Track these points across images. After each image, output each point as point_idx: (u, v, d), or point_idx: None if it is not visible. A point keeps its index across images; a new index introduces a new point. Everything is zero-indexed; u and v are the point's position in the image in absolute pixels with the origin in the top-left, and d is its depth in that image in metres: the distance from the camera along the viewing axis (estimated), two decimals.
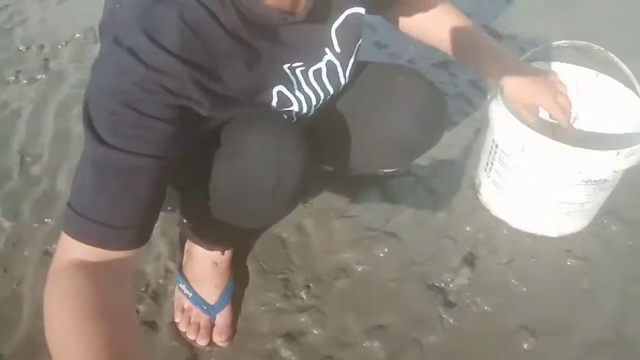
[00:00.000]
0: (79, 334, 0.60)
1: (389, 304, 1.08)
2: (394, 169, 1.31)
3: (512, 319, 1.06)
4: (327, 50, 0.90)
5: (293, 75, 0.86)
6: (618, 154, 0.99)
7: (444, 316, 1.06)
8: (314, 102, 0.91)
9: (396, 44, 1.72)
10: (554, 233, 1.19)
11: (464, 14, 1.07)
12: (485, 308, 1.08)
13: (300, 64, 0.86)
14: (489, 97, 1.15)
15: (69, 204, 0.69)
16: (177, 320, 1.06)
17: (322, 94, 0.92)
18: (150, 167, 0.68)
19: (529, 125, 1.04)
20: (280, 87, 0.84)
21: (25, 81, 1.62)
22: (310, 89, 0.90)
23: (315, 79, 0.90)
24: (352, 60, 0.94)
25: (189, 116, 0.71)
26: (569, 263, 1.16)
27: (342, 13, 0.89)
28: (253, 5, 0.74)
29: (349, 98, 1.03)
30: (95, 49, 1.70)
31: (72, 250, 0.67)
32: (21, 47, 1.75)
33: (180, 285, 1.07)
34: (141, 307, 1.08)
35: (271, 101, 0.84)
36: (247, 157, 0.81)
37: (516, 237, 1.20)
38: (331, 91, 0.94)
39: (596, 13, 1.88)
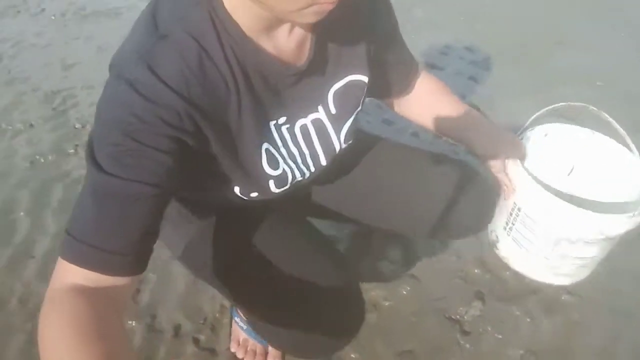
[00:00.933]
0: (75, 357, 0.60)
1: (413, 333, 1.27)
2: None
3: (518, 343, 1.26)
4: (319, 108, 0.89)
5: (278, 132, 0.85)
6: (633, 215, 1.08)
7: (461, 342, 1.25)
8: (300, 161, 0.90)
9: (402, 120, 1.95)
10: (567, 282, 1.28)
11: (455, 96, 1.13)
12: (496, 335, 1.27)
13: (284, 119, 0.85)
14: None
15: (67, 230, 0.70)
16: (233, 350, 1.23)
17: (307, 154, 0.90)
18: (148, 195, 0.69)
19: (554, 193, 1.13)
20: (267, 145, 0.84)
21: (83, 153, 1.83)
22: (296, 146, 0.89)
23: (303, 136, 0.89)
24: (348, 124, 0.93)
25: (186, 150, 0.72)
26: (563, 298, 1.37)
27: (344, 78, 0.90)
28: (253, 54, 0.75)
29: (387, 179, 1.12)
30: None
31: (69, 275, 0.68)
32: (77, 125, 2.00)
33: (236, 319, 1.24)
34: (201, 337, 1.26)
35: (261, 159, 0.84)
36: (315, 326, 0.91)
37: (519, 276, 1.35)
38: (320, 154, 0.92)
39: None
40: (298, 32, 0.79)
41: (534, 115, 1.28)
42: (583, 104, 1.30)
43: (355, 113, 0.94)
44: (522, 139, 1.34)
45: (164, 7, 0.73)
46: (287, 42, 0.78)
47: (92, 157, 0.69)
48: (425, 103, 1.11)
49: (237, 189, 0.87)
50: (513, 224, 1.26)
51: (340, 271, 0.97)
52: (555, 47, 2.54)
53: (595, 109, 1.28)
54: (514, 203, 1.23)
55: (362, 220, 1.17)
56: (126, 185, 0.68)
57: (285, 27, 0.77)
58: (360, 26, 0.89)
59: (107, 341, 0.62)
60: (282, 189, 0.89)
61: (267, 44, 0.76)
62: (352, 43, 0.89)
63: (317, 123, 0.90)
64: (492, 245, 1.34)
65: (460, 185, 1.09)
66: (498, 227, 1.31)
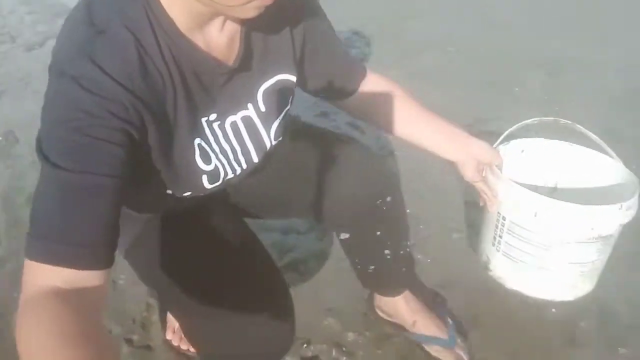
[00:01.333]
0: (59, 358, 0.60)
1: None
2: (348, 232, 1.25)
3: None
4: (249, 106, 0.91)
5: (210, 128, 0.87)
6: (621, 207, 1.08)
7: None
8: (232, 158, 0.91)
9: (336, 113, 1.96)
10: (569, 297, 1.25)
11: (414, 100, 1.12)
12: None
13: (214, 115, 0.87)
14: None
15: (30, 232, 0.69)
16: (169, 337, 1.30)
17: (239, 150, 0.92)
18: (106, 186, 0.69)
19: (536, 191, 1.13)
20: (199, 140, 0.85)
21: None
22: (228, 143, 0.90)
23: (234, 133, 0.91)
24: (277, 122, 0.96)
25: (133, 143, 0.72)
26: (553, 310, 1.36)
27: (274, 77, 0.92)
28: (187, 51, 0.77)
29: (293, 162, 1.10)
30: (17, 149, 2.03)
31: (41, 277, 0.67)
32: None
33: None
34: (134, 336, 1.34)
35: (194, 154, 0.85)
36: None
37: (510, 298, 1.33)
38: (252, 150, 0.94)
39: None
40: (228, 28, 0.82)
41: (507, 131, 1.29)
42: (553, 118, 1.31)
43: (284, 111, 0.97)
44: (502, 153, 1.33)
45: (99, 2, 0.74)
46: (218, 39, 0.81)
47: (45, 156, 0.69)
48: (381, 108, 1.11)
49: (169, 192, 0.89)
50: (501, 237, 1.25)
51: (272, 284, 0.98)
52: (409, 21, 2.88)
53: (568, 121, 1.30)
54: (498, 213, 1.22)
55: (266, 216, 1.23)
56: (85, 179, 0.68)
57: (217, 23, 0.80)
58: (287, 26, 0.92)
59: (93, 344, 0.62)
60: (215, 185, 0.91)
61: (200, 41, 0.78)
62: (279, 42, 0.92)
63: (247, 120, 0.92)
64: (485, 267, 1.33)
65: (345, 161, 1.06)
66: (487, 245, 1.30)
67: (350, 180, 1.05)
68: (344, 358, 1.27)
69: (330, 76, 1.05)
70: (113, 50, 0.70)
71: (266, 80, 0.92)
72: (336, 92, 1.08)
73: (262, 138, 0.95)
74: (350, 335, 1.33)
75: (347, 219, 1.12)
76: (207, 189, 0.91)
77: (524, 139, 1.38)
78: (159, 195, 0.90)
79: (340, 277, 1.42)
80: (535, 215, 1.13)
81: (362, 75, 1.09)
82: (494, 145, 1.28)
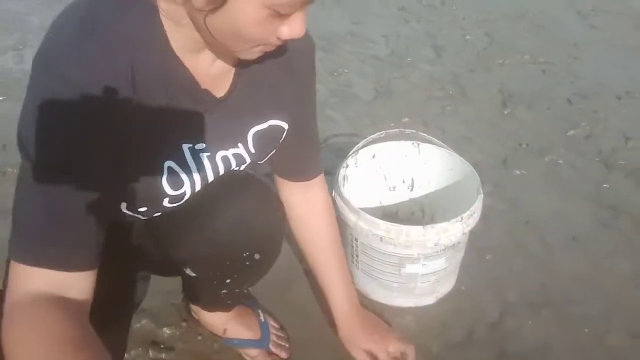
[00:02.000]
0: None
1: None
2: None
3: None
4: (239, 145, 0.91)
5: (194, 157, 0.84)
6: (462, 219, 1.20)
7: None
8: (205, 184, 0.89)
9: None
10: (431, 300, 1.37)
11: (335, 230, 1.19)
12: None
13: (202, 146, 0.85)
14: (333, 194, 1.28)
15: (15, 233, 0.68)
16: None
17: (214, 178, 0.91)
18: (90, 188, 0.70)
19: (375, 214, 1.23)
20: (171, 163, 0.82)
21: None
22: (215, 174, 0.88)
23: (224, 165, 0.89)
24: (260, 163, 0.97)
25: (107, 149, 0.72)
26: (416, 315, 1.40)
27: (267, 121, 0.92)
28: (178, 71, 0.76)
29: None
30: None
31: (27, 281, 0.66)
32: None
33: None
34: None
35: (161, 176, 0.81)
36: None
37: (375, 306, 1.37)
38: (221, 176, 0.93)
39: None
40: (220, 64, 0.82)
41: (355, 148, 1.40)
42: (398, 129, 1.45)
43: (270, 154, 0.98)
44: (354, 163, 1.40)
45: (100, 8, 0.71)
46: (208, 68, 0.81)
47: (27, 155, 0.68)
48: (310, 233, 1.17)
49: (123, 206, 0.85)
50: (357, 256, 1.33)
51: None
52: None
53: (412, 130, 1.46)
54: (351, 234, 1.30)
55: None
56: (69, 180, 0.67)
57: (208, 55, 0.79)
58: (287, 75, 0.92)
59: (85, 348, 0.62)
60: (174, 205, 0.87)
61: (190, 65, 0.77)
62: (277, 88, 0.92)
63: (238, 157, 0.91)
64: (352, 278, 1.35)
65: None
66: (348, 261, 1.36)
67: (226, 227, 0.91)
68: (163, 355, 1.25)
69: (294, 151, 1.05)
70: (106, 56, 0.68)
71: (259, 123, 0.91)
72: (284, 168, 1.10)
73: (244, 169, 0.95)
74: (166, 331, 1.30)
75: (204, 262, 0.99)
76: (167, 208, 0.87)
77: (372, 145, 1.44)
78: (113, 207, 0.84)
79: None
80: (381, 240, 1.21)
81: (318, 170, 1.14)
82: (347, 159, 1.35)
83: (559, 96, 2.22)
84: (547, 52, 2.53)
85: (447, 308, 1.38)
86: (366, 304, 1.33)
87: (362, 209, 1.49)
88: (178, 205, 0.88)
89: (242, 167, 0.94)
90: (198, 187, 0.87)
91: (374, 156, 1.46)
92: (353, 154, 1.42)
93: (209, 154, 0.86)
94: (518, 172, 1.82)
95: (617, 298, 1.38)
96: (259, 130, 0.92)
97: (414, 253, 1.24)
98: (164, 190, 0.83)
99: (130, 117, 0.72)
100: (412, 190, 1.55)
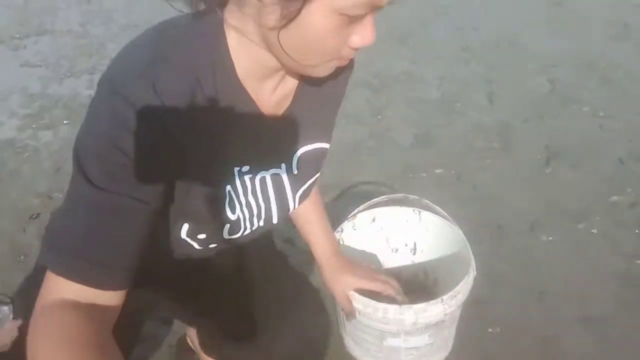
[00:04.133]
0: None
1: None
2: None
3: None
4: (282, 165, 0.91)
5: (240, 179, 0.85)
6: (442, 300, 1.15)
7: None
8: (255, 213, 0.90)
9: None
10: None
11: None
12: None
13: (247, 168, 0.85)
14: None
15: (53, 244, 0.69)
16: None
17: (263, 207, 0.91)
18: (138, 211, 0.69)
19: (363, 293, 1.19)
20: (229, 188, 0.84)
21: None
22: (254, 197, 0.89)
23: (260, 189, 0.89)
24: (305, 187, 0.96)
25: (168, 172, 0.73)
26: None
27: (314, 143, 0.93)
28: (240, 98, 0.77)
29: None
30: None
31: (57, 290, 0.67)
32: None
33: None
34: None
35: (225, 199, 0.84)
36: None
37: None
38: (274, 210, 0.93)
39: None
40: (282, 89, 0.82)
41: (356, 210, 1.38)
42: (402, 194, 1.42)
43: (314, 178, 0.98)
44: (352, 227, 1.40)
45: (170, 33, 0.72)
46: (270, 95, 0.81)
47: (81, 170, 0.67)
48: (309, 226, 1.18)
49: (184, 228, 0.86)
50: (345, 326, 1.33)
51: None
52: None
53: (416, 197, 1.40)
54: (337, 304, 1.27)
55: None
56: (118, 200, 0.67)
57: (276, 80, 0.79)
58: (335, 97, 0.94)
59: (101, 355, 0.63)
60: (232, 237, 0.90)
61: (252, 92, 0.77)
62: (327, 111, 0.93)
63: (276, 179, 0.90)
64: (343, 339, 1.40)
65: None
66: (340, 327, 1.37)
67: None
68: None
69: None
70: (172, 79, 0.68)
71: (306, 145, 0.92)
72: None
73: (287, 200, 0.94)
74: None
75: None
76: (225, 239, 0.90)
77: (373, 209, 1.43)
78: (165, 237, 0.87)
79: None
80: (359, 314, 1.20)
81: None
82: (344, 222, 1.36)
83: (611, 155, 2.09)
84: (610, 106, 2.38)
85: None
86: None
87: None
88: (234, 239, 0.91)
89: (281, 195, 0.93)
90: (247, 215, 0.89)
91: (373, 220, 1.45)
92: (351, 218, 1.42)
93: (250, 175, 0.86)
94: (545, 239, 1.73)
95: None
96: (305, 152, 0.92)
97: (392, 329, 1.22)
98: (226, 215, 0.85)
99: (191, 142, 0.73)
100: (414, 254, 1.52)
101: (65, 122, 2.36)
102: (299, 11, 0.63)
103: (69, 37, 3.08)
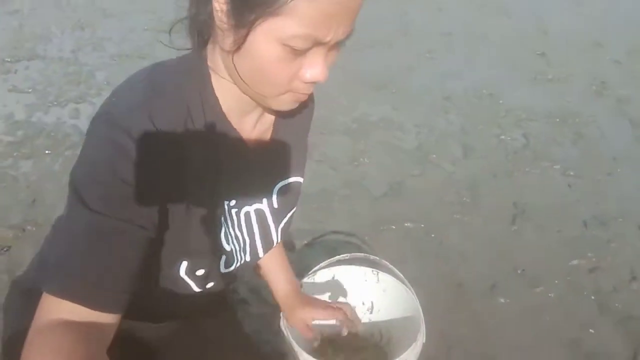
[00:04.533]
0: None
1: None
2: None
3: None
4: (264, 200, 0.94)
5: (229, 212, 0.88)
6: None
7: None
8: (241, 246, 0.93)
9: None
10: None
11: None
12: None
13: (234, 202, 0.88)
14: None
15: (52, 264, 0.71)
16: None
17: (248, 242, 0.94)
18: (137, 236, 0.71)
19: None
20: (223, 218, 0.87)
21: None
22: (240, 231, 0.91)
23: (245, 223, 0.92)
24: (285, 220, 1.00)
25: (165, 202, 0.75)
26: None
27: (290, 177, 0.97)
28: (227, 133, 0.80)
29: None
30: None
31: (55, 309, 0.68)
32: None
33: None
34: None
35: (221, 228, 0.87)
36: None
37: None
38: (259, 245, 0.97)
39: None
40: (261, 125, 0.87)
41: (318, 266, 1.41)
42: (364, 254, 1.45)
43: (292, 211, 1.02)
44: (312, 282, 1.44)
45: (162, 72, 0.77)
46: (252, 130, 0.85)
47: (78, 198, 0.69)
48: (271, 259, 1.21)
49: (184, 265, 0.86)
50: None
51: None
52: None
53: (376, 257, 1.43)
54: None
55: None
56: (117, 225, 0.69)
57: (255, 115, 0.84)
58: (306, 130, 1.00)
59: None
60: (227, 270, 0.92)
61: (237, 125, 0.82)
62: (300, 145, 0.97)
63: (260, 213, 0.94)
64: None
65: None
66: None
67: None
68: None
69: None
70: (167, 110, 0.72)
71: (284, 179, 0.96)
72: None
73: (270, 234, 0.98)
74: None
75: None
76: (221, 274, 0.92)
77: (332, 267, 1.47)
78: (161, 279, 0.88)
79: None
80: None
81: None
82: (304, 278, 1.38)
83: (577, 217, 2.15)
84: (580, 165, 2.44)
85: None
86: None
87: (319, 326, 1.54)
88: (228, 274, 0.93)
89: (264, 229, 0.97)
90: (237, 248, 0.92)
91: (333, 277, 1.49)
92: (311, 274, 1.46)
93: (236, 209, 0.89)
94: (502, 301, 1.77)
95: None
96: (283, 186, 0.96)
97: None
98: (222, 245, 0.88)
99: (188, 170, 0.76)
100: (371, 312, 1.56)
101: (46, 152, 2.39)
102: (245, 37, 0.67)
103: (59, 64, 3.12)
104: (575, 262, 1.93)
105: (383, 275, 1.48)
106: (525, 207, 2.19)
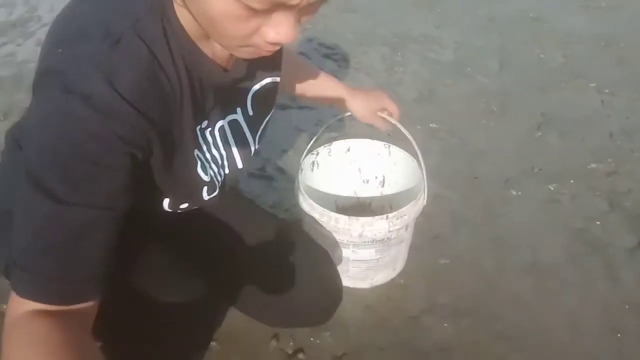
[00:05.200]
0: None
1: None
2: None
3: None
4: (238, 110, 0.90)
5: (202, 136, 0.84)
6: (387, 217, 1.29)
7: None
8: (220, 164, 0.90)
9: None
10: (365, 285, 1.49)
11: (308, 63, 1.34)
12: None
13: (205, 123, 0.83)
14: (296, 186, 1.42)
15: (17, 264, 0.65)
16: None
17: (225, 156, 0.91)
18: (105, 219, 0.67)
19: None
20: (197, 151, 0.83)
21: None
22: (217, 149, 0.88)
23: (221, 138, 0.88)
24: (262, 126, 0.97)
25: (135, 164, 0.69)
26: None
27: (263, 80, 0.92)
28: (198, 60, 0.74)
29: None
30: None
31: (30, 304, 0.64)
32: None
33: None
34: None
35: (196, 166, 0.83)
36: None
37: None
38: (237, 156, 0.93)
39: None
40: None
41: (325, 126, 1.46)
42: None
43: (269, 115, 0.99)
44: (327, 152, 1.55)
45: (109, 6, 0.67)
46: (222, 52, 0.78)
47: (37, 184, 0.63)
48: (296, 76, 1.25)
49: (166, 202, 0.86)
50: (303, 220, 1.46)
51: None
52: None
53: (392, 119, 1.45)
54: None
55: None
56: (84, 213, 0.64)
57: None
58: None
59: (79, 357, 0.61)
60: (212, 196, 0.90)
61: (207, 51, 0.76)
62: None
63: (234, 124, 0.90)
64: None
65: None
66: None
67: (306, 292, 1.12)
68: None
69: None
70: (130, 66, 0.65)
71: (256, 83, 0.91)
72: None
73: (248, 143, 0.95)
74: None
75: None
76: (205, 201, 0.90)
77: (347, 140, 1.57)
78: (149, 210, 0.86)
79: None
80: (316, 222, 1.35)
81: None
82: (314, 150, 1.52)
83: (604, 129, 2.16)
84: (617, 84, 2.43)
85: (379, 294, 1.52)
86: None
87: (338, 197, 1.66)
88: (214, 197, 0.91)
89: (241, 139, 0.94)
90: (215, 170, 0.89)
91: (348, 149, 1.60)
92: (327, 145, 1.57)
93: (210, 129, 0.85)
94: (514, 193, 1.85)
95: (545, 339, 1.42)
96: (257, 91, 0.92)
97: (343, 239, 1.38)
98: (201, 179, 0.84)
99: (158, 124, 0.70)
100: (383, 186, 1.67)
101: None
102: None
103: None
104: (593, 165, 1.97)
105: (394, 149, 1.58)
106: (553, 117, 2.21)
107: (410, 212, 1.37)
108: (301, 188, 1.41)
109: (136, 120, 0.65)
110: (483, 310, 1.46)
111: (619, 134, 2.14)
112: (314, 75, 1.31)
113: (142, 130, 0.67)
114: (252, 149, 0.97)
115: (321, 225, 1.36)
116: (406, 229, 1.41)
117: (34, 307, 0.64)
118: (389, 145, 1.58)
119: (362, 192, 1.70)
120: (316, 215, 1.36)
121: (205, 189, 0.87)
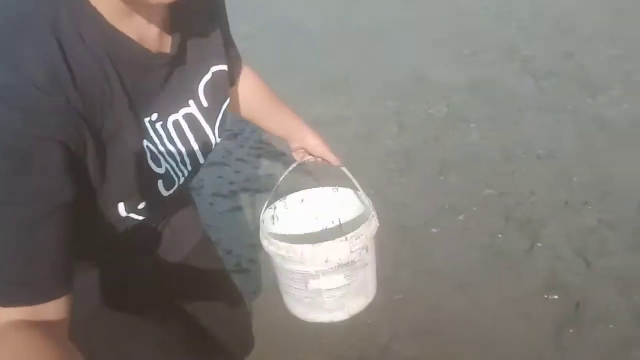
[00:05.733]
0: None
1: None
2: None
3: None
4: (190, 102, 0.87)
5: (153, 129, 0.81)
6: (346, 239, 1.20)
7: None
8: (178, 160, 0.87)
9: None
10: (343, 316, 1.37)
11: (269, 89, 1.25)
12: None
13: (155, 115, 0.80)
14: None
15: None
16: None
17: (184, 151, 0.88)
18: (48, 216, 0.64)
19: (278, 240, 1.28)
20: (147, 142, 0.79)
21: None
22: (172, 145, 0.85)
23: (177, 133, 0.85)
24: (219, 117, 0.93)
25: (71, 158, 0.66)
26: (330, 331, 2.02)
27: (210, 69, 0.89)
28: (118, 43, 0.70)
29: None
30: None
31: (1, 315, 0.62)
32: None
33: None
34: None
35: (147, 157, 0.79)
36: None
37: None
38: (197, 150, 0.90)
39: None
40: (156, 19, 0.76)
41: (282, 176, 1.39)
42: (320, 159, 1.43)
43: (225, 105, 0.95)
44: (284, 206, 1.52)
45: None
46: (149, 30, 0.75)
47: None
48: (249, 100, 1.20)
49: (121, 206, 0.79)
50: (277, 276, 1.38)
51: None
52: None
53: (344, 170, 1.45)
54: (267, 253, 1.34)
55: None
56: (24, 211, 0.62)
57: (144, 13, 0.73)
58: (212, 16, 0.91)
59: None
60: (171, 191, 0.87)
61: (132, 33, 0.72)
62: (209, 33, 0.89)
63: (189, 117, 0.87)
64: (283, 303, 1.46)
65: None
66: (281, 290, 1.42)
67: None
68: None
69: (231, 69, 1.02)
70: (37, 53, 0.62)
71: (204, 74, 0.89)
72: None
73: (207, 136, 0.92)
74: None
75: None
76: (165, 196, 0.86)
77: (302, 191, 1.55)
78: (106, 221, 0.81)
79: None
80: (283, 259, 1.28)
81: (240, 68, 1.14)
82: (272, 205, 1.48)
83: (488, 159, 2.73)
84: (492, 119, 3.03)
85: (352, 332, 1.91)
86: (290, 319, 1.45)
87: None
88: (174, 192, 0.88)
89: (199, 133, 0.91)
90: (173, 164, 0.86)
91: (302, 200, 1.61)
92: (282, 199, 1.57)
93: (161, 122, 0.82)
94: (434, 230, 2.35)
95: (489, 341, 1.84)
96: (207, 81, 0.89)
97: (310, 270, 1.30)
98: (153, 171, 0.81)
99: (86, 113, 0.67)
100: (341, 228, 1.69)
101: None
102: None
103: None
104: (487, 191, 2.51)
105: (342, 189, 1.56)
106: (449, 160, 2.77)
107: (366, 231, 1.31)
108: (265, 234, 1.35)
109: (58, 109, 0.63)
110: (441, 329, 1.90)
111: (500, 161, 2.71)
112: (278, 107, 1.28)
113: (68, 119, 0.64)
114: (213, 142, 0.94)
115: (290, 262, 1.36)
116: (367, 250, 1.34)
117: (9, 318, 0.62)
118: (337, 188, 1.57)
119: (322, 239, 1.51)
120: (283, 253, 1.36)
121: (160, 182, 0.84)
